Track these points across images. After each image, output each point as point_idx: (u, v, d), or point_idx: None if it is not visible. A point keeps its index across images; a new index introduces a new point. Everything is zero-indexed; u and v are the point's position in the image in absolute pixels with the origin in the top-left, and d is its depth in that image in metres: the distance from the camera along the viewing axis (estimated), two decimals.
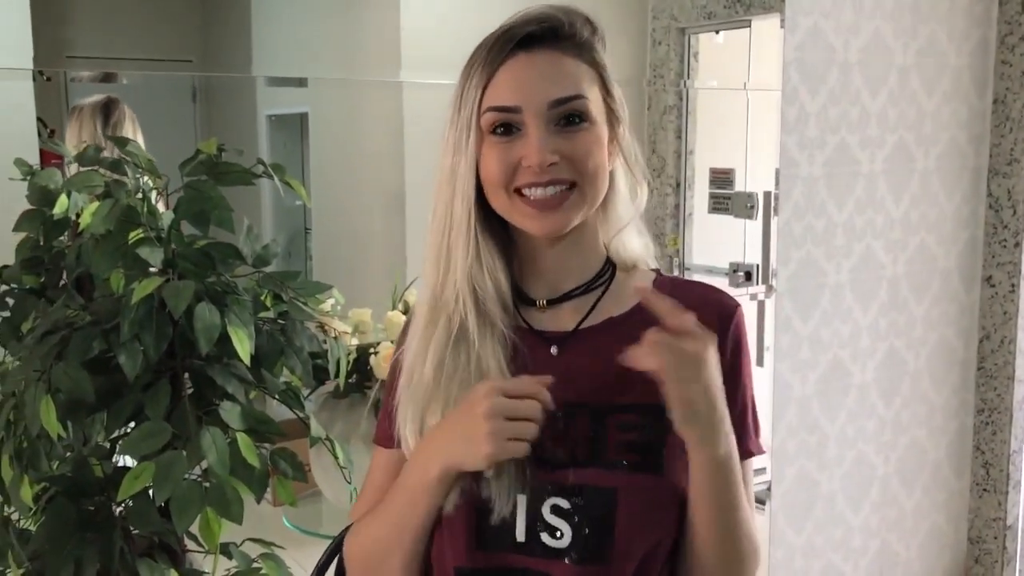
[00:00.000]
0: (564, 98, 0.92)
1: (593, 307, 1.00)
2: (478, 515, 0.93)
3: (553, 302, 1.00)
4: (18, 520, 1.34)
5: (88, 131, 1.96)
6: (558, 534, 0.92)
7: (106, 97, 2.05)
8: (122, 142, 1.43)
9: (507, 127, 0.92)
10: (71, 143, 2.01)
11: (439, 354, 0.95)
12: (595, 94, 0.94)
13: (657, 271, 1.06)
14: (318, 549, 1.08)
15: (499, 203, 0.94)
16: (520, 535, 0.92)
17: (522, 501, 0.92)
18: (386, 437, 1.01)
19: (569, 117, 0.92)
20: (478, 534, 0.93)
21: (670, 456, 0.94)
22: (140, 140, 2.02)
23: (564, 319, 1.00)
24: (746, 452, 0.99)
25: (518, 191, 0.92)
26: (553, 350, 0.98)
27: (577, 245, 0.99)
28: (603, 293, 1.01)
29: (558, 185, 0.92)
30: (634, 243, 1.03)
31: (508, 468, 0.90)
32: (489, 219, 0.96)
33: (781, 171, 2.28)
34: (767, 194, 2.57)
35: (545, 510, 0.92)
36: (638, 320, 0.95)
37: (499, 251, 0.98)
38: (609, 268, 1.02)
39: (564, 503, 0.92)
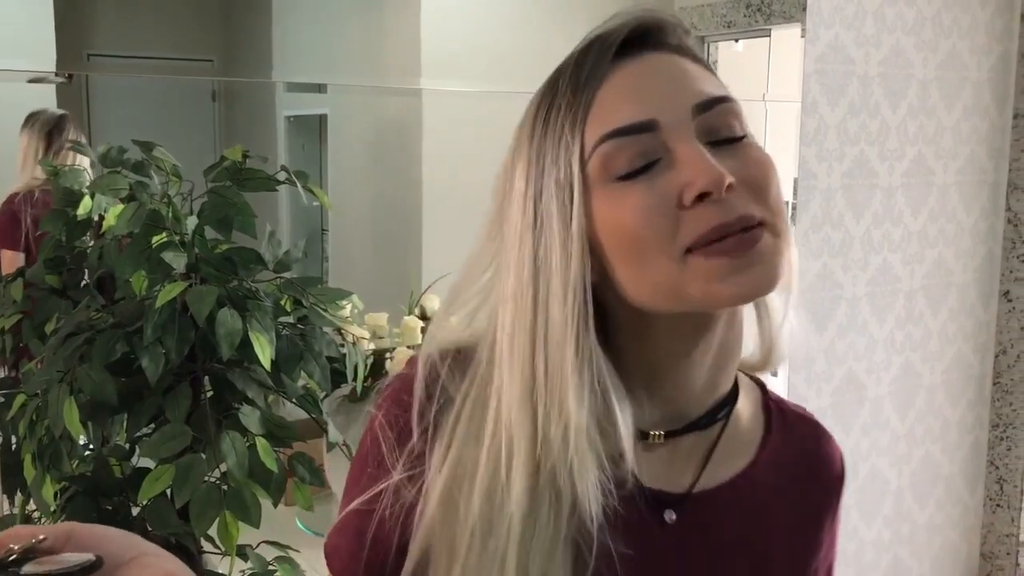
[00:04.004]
0: (715, 98, 0.62)
1: (710, 454, 0.69)
2: None
3: (673, 434, 0.67)
4: (39, 519, 1.35)
5: (32, 151, 1.89)
6: None
7: (58, 116, 1.95)
8: (148, 146, 1.44)
9: (635, 165, 0.60)
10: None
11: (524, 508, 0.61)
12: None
13: (761, 384, 0.75)
14: None
15: (657, 275, 0.60)
16: None
17: None
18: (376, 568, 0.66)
19: (717, 132, 0.62)
20: None
21: None
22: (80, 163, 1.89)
23: (676, 467, 0.68)
24: None
25: (690, 250, 0.59)
26: (668, 516, 0.67)
27: (723, 346, 0.66)
28: (722, 429, 0.70)
29: (747, 222, 0.59)
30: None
31: None
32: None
33: (799, 182, 2.28)
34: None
35: None
36: (759, 482, 0.70)
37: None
38: (733, 388, 0.70)
39: None
